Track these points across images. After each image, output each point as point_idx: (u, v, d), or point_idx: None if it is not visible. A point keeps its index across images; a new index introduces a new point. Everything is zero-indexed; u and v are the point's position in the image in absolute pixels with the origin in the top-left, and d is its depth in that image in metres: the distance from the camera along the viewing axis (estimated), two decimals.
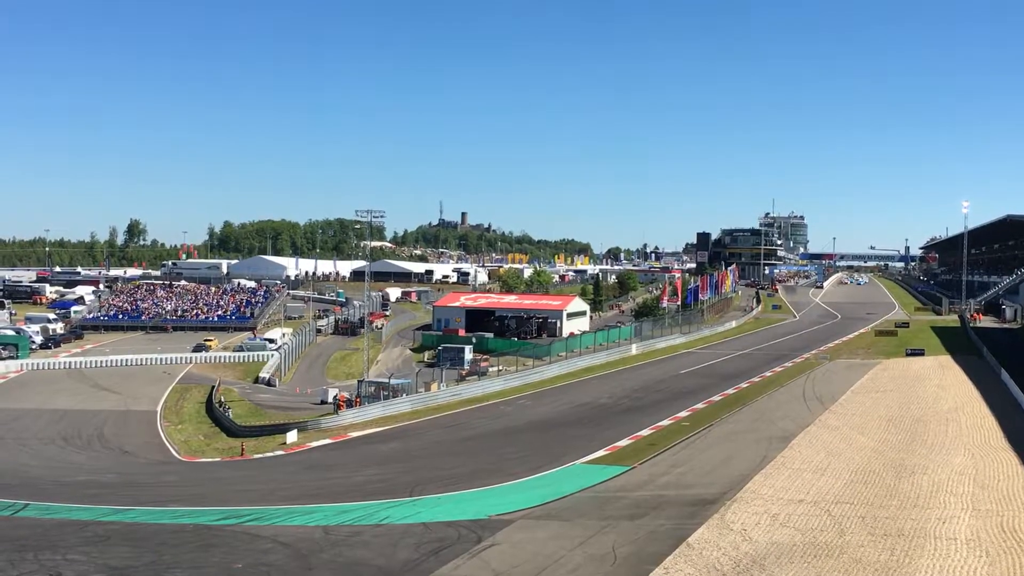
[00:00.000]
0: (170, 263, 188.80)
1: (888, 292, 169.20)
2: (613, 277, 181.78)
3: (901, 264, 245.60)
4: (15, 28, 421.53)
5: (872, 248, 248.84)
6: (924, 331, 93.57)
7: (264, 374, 73.15)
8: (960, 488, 28.71)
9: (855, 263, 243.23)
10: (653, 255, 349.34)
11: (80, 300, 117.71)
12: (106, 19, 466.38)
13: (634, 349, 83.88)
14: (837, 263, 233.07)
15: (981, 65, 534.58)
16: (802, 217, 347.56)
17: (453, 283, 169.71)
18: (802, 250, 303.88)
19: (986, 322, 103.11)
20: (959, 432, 39.48)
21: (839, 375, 62.41)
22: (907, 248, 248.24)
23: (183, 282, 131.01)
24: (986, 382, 55.31)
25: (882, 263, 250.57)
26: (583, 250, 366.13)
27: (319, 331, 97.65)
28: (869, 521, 24.78)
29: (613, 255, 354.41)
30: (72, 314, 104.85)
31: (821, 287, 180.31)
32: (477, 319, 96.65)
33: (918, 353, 73.04)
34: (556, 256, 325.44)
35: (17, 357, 75.80)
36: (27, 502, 32.48)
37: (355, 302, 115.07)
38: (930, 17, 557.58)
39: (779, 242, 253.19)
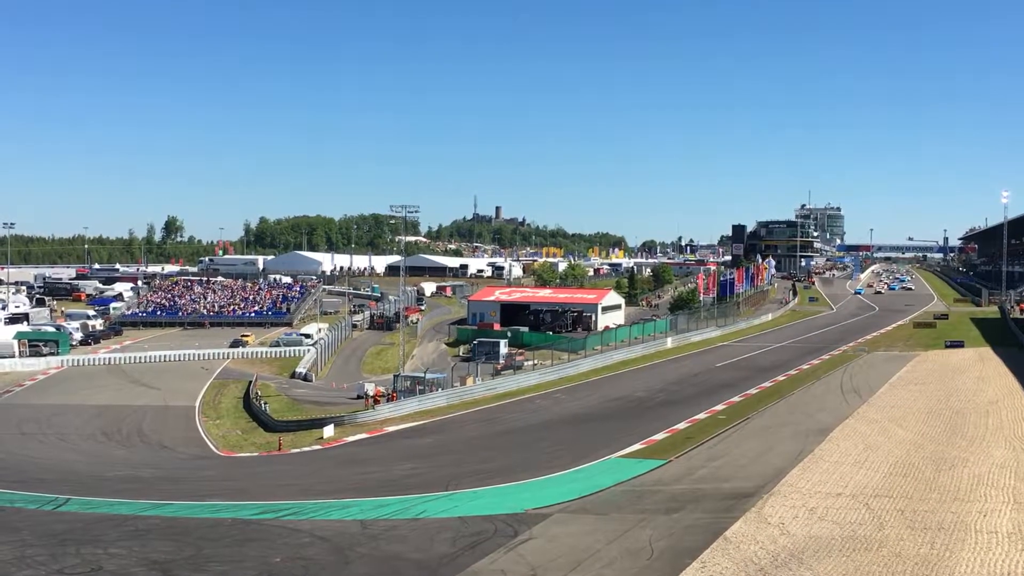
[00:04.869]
0: (207, 259, 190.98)
1: (927, 283, 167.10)
2: (648, 270, 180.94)
3: (940, 255, 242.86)
4: (54, 32, 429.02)
5: (910, 239, 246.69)
6: (963, 323, 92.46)
7: (301, 369, 73.59)
8: (1001, 481, 28.28)
9: (892, 254, 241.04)
10: (688, 248, 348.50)
11: (119, 297, 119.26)
12: (144, 19, 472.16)
13: (669, 343, 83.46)
14: (875, 254, 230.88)
15: (1018, 59, 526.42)
16: (839, 208, 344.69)
17: (488, 277, 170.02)
18: (839, 242, 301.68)
19: None
20: (1000, 424, 38.89)
21: (877, 368, 61.78)
22: (946, 239, 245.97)
23: (220, 278, 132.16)
24: None
25: (920, 254, 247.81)
26: (618, 243, 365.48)
27: (355, 326, 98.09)
28: (908, 514, 24.48)
29: (648, 248, 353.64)
30: (111, 310, 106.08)
31: (859, 279, 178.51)
32: (512, 313, 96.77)
33: (957, 345, 72.16)
34: (591, 250, 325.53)
35: (58, 353, 76.98)
36: (68, 497, 32.94)
37: (390, 297, 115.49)
38: (963, 12, 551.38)
39: (815, 234, 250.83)
